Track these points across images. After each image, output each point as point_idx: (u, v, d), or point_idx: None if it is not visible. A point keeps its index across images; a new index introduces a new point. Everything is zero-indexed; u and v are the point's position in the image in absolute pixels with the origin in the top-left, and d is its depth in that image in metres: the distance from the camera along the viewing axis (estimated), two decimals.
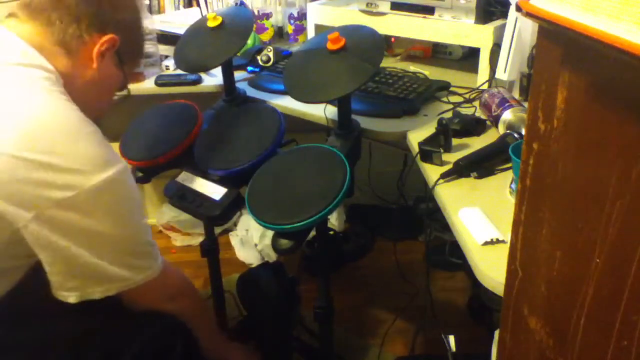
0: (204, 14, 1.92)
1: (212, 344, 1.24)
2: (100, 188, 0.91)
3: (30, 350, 1.03)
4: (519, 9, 0.54)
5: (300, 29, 1.88)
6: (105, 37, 1.01)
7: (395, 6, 1.57)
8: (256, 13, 1.89)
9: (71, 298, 0.97)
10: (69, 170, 0.89)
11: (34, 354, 1.03)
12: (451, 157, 1.09)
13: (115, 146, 1.37)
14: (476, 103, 1.37)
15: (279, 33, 1.98)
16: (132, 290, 1.01)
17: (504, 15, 1.42)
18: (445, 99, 1.42)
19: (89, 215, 0.92)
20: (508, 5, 1.40)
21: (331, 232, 2.18)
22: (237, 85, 1.50)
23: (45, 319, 1.05)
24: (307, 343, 1.64)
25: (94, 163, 0.92)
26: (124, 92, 1.19)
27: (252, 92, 1.53)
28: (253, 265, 2.11)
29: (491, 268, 0.81)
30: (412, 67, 1.66)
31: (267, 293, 1.42)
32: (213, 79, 1.66)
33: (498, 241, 0.86)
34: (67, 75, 0.98)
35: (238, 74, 1.59)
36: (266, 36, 1.92)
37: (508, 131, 1.15)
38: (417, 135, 1.21)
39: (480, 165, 1.07)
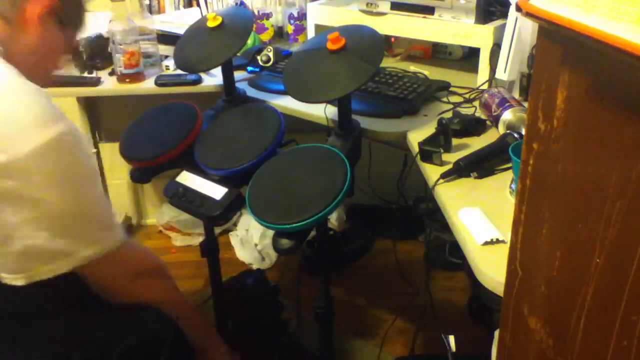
0: (204, 14, 1.92)
1: (191, 330, 1.20)
2: (38, 151, 0.86)
3: (17, 350, 1.02)
4: (519, 9, 0.54)
5: (300, 29, 1.88)
6: (41, 0, 0.99)
7: (395, 6, 1.56)
8: (256, 13, 1.89)
9: (19, 281, 0.92)
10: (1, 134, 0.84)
11: (19, 353, 1.02)
12: (451, 157, 1.09)
13: (116, 146, 1.38)
14: (476, 103, 1.37)
15: (279, 33, 1.98)
16: (88, 265, 0.96)
17: (504, 15, 1.42)
18: (445, 99, 1.42)
19: (28, 181, 0.86)
20: (508, 5, 1.40)
21: (331, 232, 2.18)
22: (237, 85, 1.50)
23: (34, 318, 1.03)
24: (292, 350, 1.64)
25: (32, 124, 0.86)
26: (71, 54, 1.15)
27: (252, 92, 1.53)
28: (253, 266, 2.11)
29: (491, 268, 0.81)
30: (412, 67, 1.66)
31: (247, 301, 1.42)
32: (213, 79, 1.66)
33: (498, 241, 0.86)
34: (6, 43, 0.95)
35: (238, 74, 1.59)
36: (266, 36, 1.92)
37: (508, 131, 1.15)
38: (417, 135, 1.21)
39: (480, 165, 1.07)
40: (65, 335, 1.04)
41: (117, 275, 1.06)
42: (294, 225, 1.04)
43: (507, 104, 1.19)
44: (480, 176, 1.06)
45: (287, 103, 1.42)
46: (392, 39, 1.78)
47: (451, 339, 1.12)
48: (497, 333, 0.77)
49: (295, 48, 1.80)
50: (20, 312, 1.03)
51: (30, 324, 1.04)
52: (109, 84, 1.67)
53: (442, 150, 1.11)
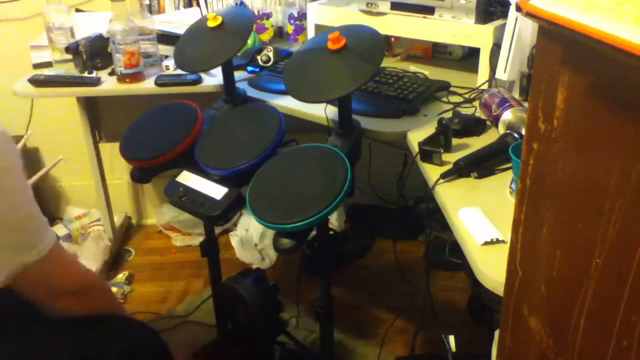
0: (204, 14, 1.92)
1: None
2: None
3: (14, 350, 1.02)
4: (519, 9, 0.54)
5: (300, 29, 1.88)
6: None
7: (395, 6, 1.56)
8: (256, 13, 1.89)
9: None
10: None
11: (17, 353, 1.02)
12: (451, 157, 1.09)
13: (116, 146, 1.38)
14: (476, 103, 1.37)
15: (279, 33, 1.98)
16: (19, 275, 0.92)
17: (504, 15, 1.42)
18: (445, 99, 1.42)
19: None
20: (508, 5, 1.40)
21: (331, 232, 2.18)
22: (237, 85, 1.50)
23: (34, 319, 1.02)
24: (292, 349, 1.64)
25: None
26: None
27: (252, 92, 1.53)
28: (253, 266, 2.11)
29: (491, 268, 0.81)
30: (412, 67, 1.66)
31: (247, 301, 1.42)
32: (213, 79, 1.66)
33: (498, 241, 0.86)
34: None
35: (238, 74, 1.59)
36: (266, 36, 1.92)
37: (508, 131, 1.15)
38: (417, 135, 1.21)
39: (480, 165, 1.07)
40: (65, 335, 1.04)
41: (44, 289, 1.00)
42: (295, 225, 1.04)
43: (507, 104, 1.19)
44: (480, 176, 1.06)
45: (287, 103, 1.42)
46: (392, 39, 1.78)
47: (451, 339, 1.12)
48: (497, 333, 0.77)
49: (295, 48, 1.80)
50: (19, 312, 1.03)
51: (29, 326, 1.04)
52: (109, 84, 1.66)
53: (442, 150, 1.11)
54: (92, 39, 1.74)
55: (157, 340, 1.12)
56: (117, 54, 1.61)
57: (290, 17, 1.87)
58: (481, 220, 0.91)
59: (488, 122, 1.25)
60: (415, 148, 1.15)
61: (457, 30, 1.47)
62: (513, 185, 0.99)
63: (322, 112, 1.34)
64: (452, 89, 1.47)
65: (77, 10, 2.03)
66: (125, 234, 2.39)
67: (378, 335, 1.78)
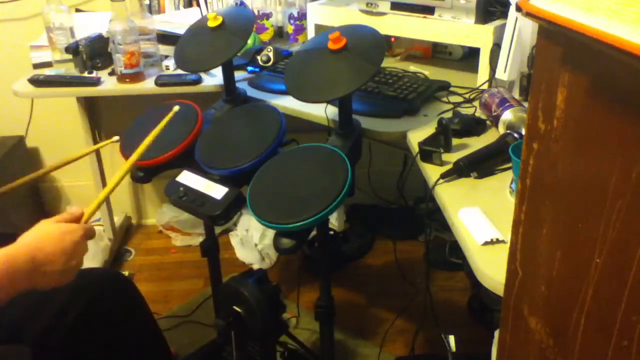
0: (204, 14, 1.92)
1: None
2: None
3: None
4: (519, 9, 0.54)
5: (300, 29, 1.88)
6: None
7: (395, 6, 1.57)
8: (256, 13, 1.89)
9: None
10: None
11: None
12: (451, 157, 1.09)
13: (116, 146, 1.38)
14: (476, 103, 1.37)
15: (279, 33, 1.98)
16: None
17: (504, 15, 1.42)
18: (445, 99, 1.42)
19: None
20: (508, 5, 1.40)
21: (331, 232, 2.18)
22: (237, 85, 1.50)
23: None
24: (293, 349, 1.64)
25: None
26: None
27: (252, 92, 1.53)
28: (254, 266, 2.11)
29: (491, 268, 0.81)
30: (412, 67, 1.66)
31: (251, 302, 1.42)
32: (213, 79, 1.66)
33: (498, 241, 0.86)
34: None
35: (238, 74, 1.59)
36: (266, 36, 1.92)
37: (508, 131, 1.15)
38: (417, 135, 1.21)
39: (480, 165, 1.07)
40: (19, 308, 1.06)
41: None
42: (295, 224, 1.04)
43: (507, 104, 1.19)
44: (480, 176, 1.06)
45: (287, 103, 1.42)
46: (392, 39, 1.78)
47: (451, 339, 1.12)
48: (497, 333, 0.77)
49: (295, 48, 1.80)
50: None
51: None
52: (109, 84, 1.67)
53: (442, 150, 1.11)
54: (92, 39, 1.74)
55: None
56: (117, 54, 1.61)
57: (290, 17, 1.87)
58: (481, 220, 0.91)
59: (488, 122, 1.25)
60: (415, 148, 1.15)
61: (457, 30, 1.47)
62: (513, 185, 0.99)
63: (323, 112, 1.34)
64: (452, 89, 1.47)
65: (77, 10, 2.03)
66: (125, 234, 2.39)
67: (378, 335, 1.78)
